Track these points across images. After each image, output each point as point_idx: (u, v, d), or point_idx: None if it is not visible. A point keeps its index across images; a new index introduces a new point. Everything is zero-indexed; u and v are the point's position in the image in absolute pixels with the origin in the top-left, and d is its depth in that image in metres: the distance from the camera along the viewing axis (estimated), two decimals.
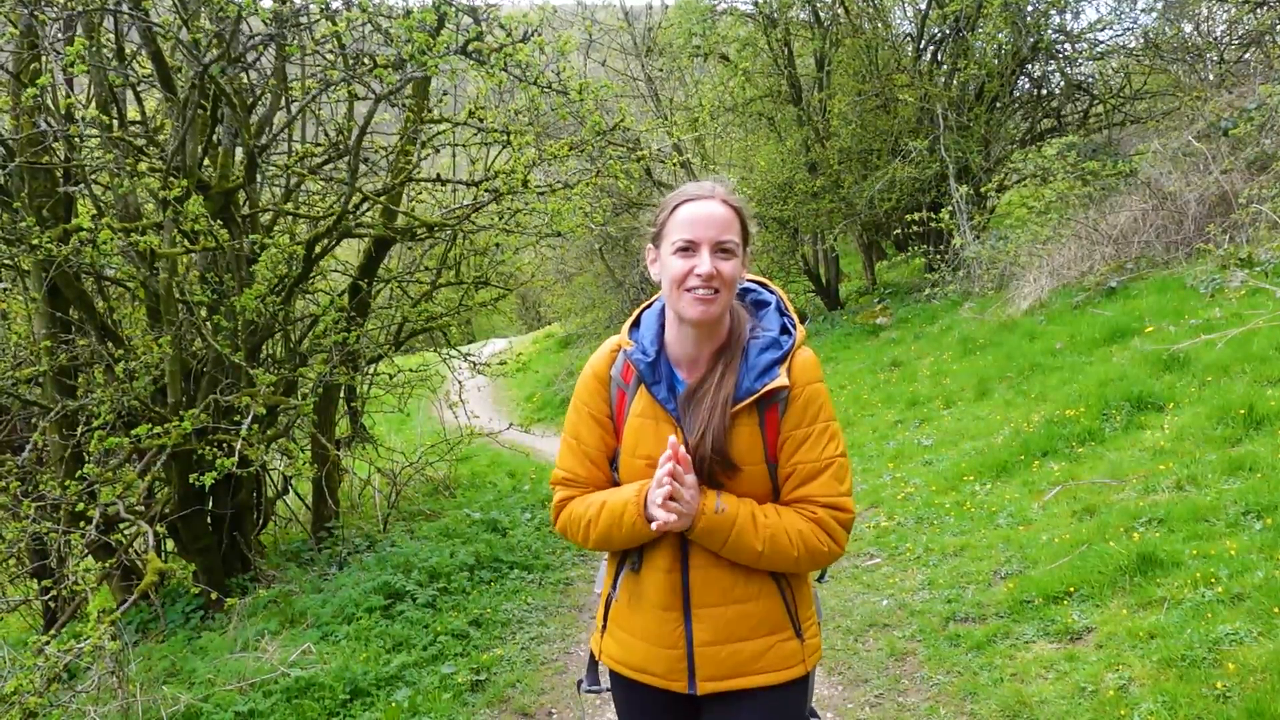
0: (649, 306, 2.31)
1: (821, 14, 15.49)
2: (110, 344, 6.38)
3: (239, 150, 6.62)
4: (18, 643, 5.95)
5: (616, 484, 2.25)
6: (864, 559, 6.24)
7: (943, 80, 14.85)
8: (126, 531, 6.49)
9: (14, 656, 4.85)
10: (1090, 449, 6.49)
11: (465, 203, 8.22)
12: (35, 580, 6.76)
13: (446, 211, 8.52)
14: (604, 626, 2.33)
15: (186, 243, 6.26)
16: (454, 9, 6.13)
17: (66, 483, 5.75)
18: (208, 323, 6.48)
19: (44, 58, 5.92)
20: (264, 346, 7.54)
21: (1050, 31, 14.37)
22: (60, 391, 6.46)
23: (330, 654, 5.41)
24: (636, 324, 2.29)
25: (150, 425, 5.69)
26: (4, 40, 5.91)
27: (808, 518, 2.12)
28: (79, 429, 6.50)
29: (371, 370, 9.54)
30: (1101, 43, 15.20)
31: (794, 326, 2.20)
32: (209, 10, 5.71)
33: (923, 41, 15.52)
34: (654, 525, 2.05)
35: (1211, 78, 12.92)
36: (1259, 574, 4.15)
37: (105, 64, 5.92)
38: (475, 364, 10.60)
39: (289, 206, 7.86)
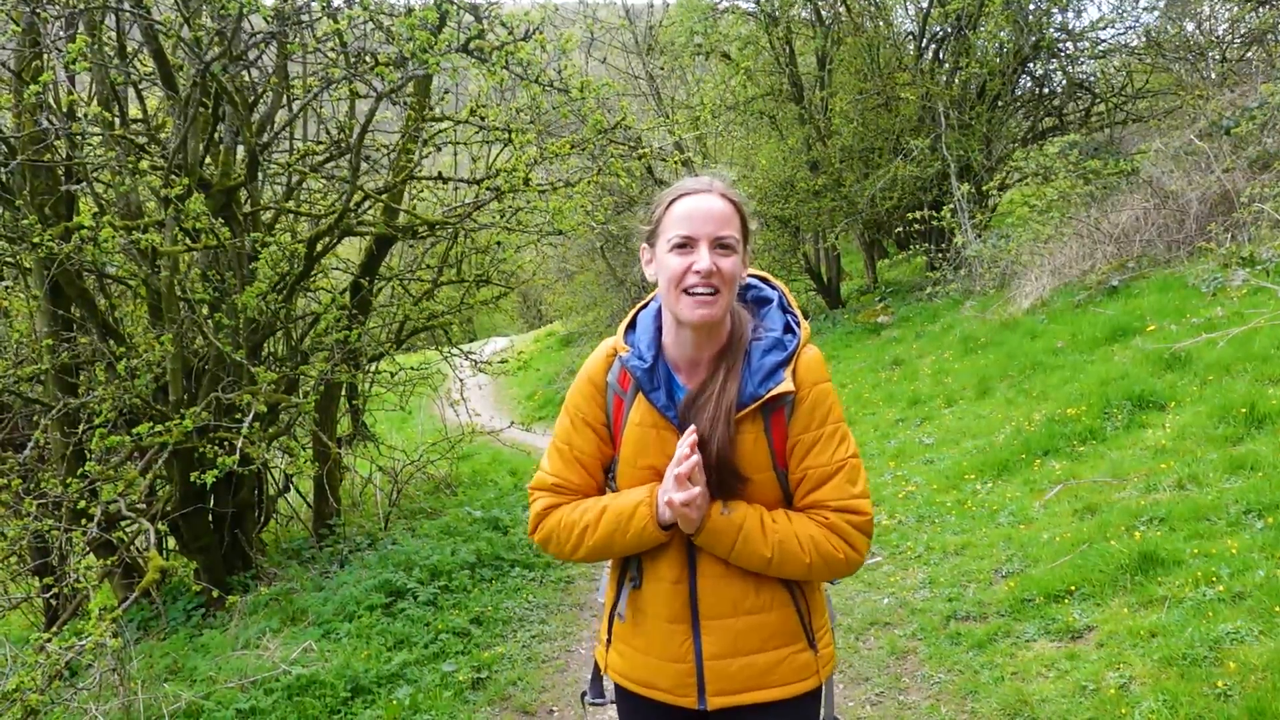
0: (644, 307, 2.20)
1: (823, 12, 15.48)
2: (112, 342, 6.38)
3: (240, 148, 6.62)
4: (19, 640, 5.96)
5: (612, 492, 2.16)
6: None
7: (944, 79, 14.84)
8: (128, 529, 6.49)
9: (16, 654, 4.85)
10: (1091, 448, 6.48)
11: (467, 201, 8.21)
12: (37, 578, 6.76)
13: (448, 210, 8.52)
14: (608, 640, 2.23)
15: (188, 241, 6.26)
16: (455, 7, 6.14)
17: (68, 480, 5.76)
18: (209, 321, 6.48)
19: (46, 55, 5.92)
20: (265, 344, 7.55)
21: (1052, 30, 14.37)
22: (62, 389, 6.47)
23: (331, 652, 5.41)
24: (632, 326, 2.18)
25: (151, 423, 5.69)
26: (6, 38, 5.91)
27: (820, 523, 2.02)
28: (80, 427, 6.50)
29: (373, 368, 9.54)
30: (1103, 41, 15.20)
31: (797, 325, 2.10)
32: (210, 8, 5.71)
33: (924, 40, 15.52)
34: (676, 499, 1.92)
35: (1213, 76, 12.92)
36: (1260, 573, 4.15)
37: (107, 62, 5.92)
38: (476, 362, 10.60)
39: (290, 204, 7.86)
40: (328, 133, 8.20)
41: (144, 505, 6.46)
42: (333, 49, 6.39)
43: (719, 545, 2.01)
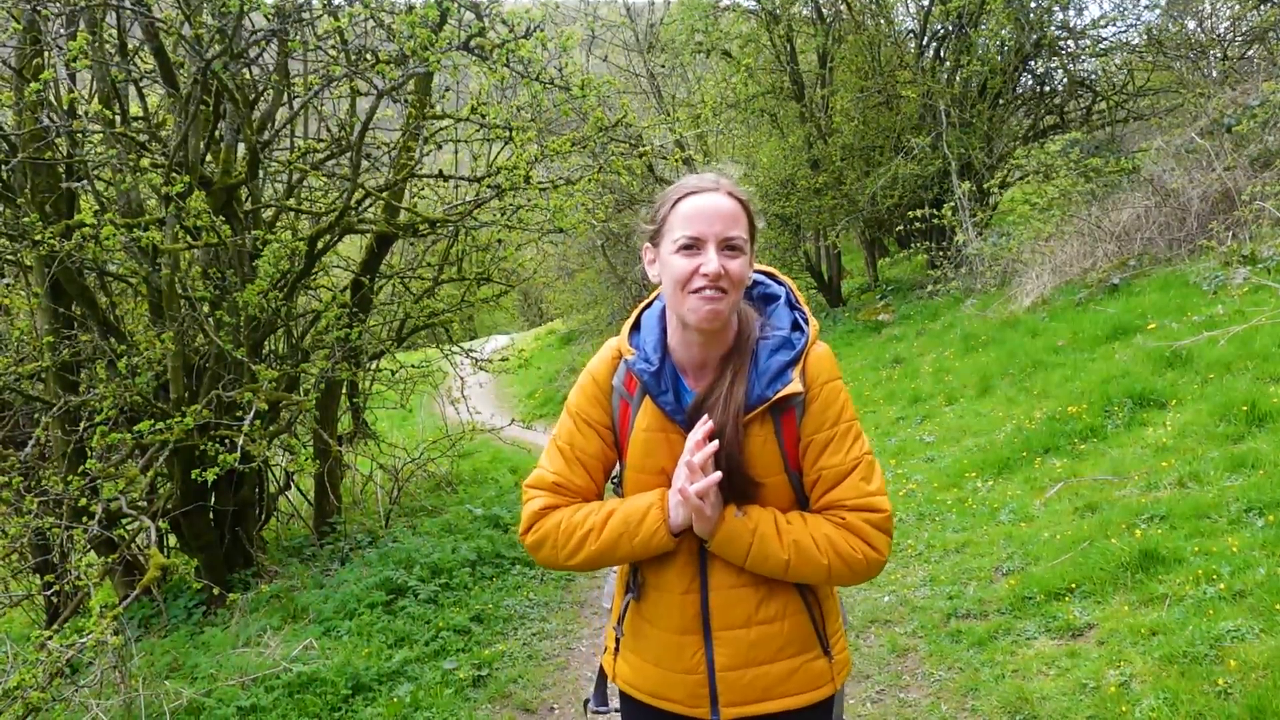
0: (649, 306, 2.13)
1: (824, 10, 15.47)
2: (112, 340, 6.38)
3: (241, 146, 6.62)
4: (20, 638, 5.96)
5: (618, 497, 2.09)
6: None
7: (945, 77, 14.83)
8: (129, 527, 6.50)
9: (17, 651, 4.86)
10: (1092, 446, 6.48)
11: (467, 199, 8.21)
12: (38, 575, 6.77)
13: (449, 207, 8.52)
14: (616, 648, 2.18)
15: (189, 238, 6.27)
16: (456, 5, 6.13)
17: (69, 478, 5.76)
18: (210, 318, 6.48)
19: (47, 53, 5.92)
20: (266, 342, 7.55)
21: (1053, 28, 14.35)
22: (63, 387, 6.47)
23: (332, 649, 5.42)
24: (636, 327, 2.11)
25: (152, 421, 5.69)
26: (7, 36, 5.91)
27: (837, 524, 1.96)
28: (81, 424, 6.50)
29: (374, 366, 9.55)
30: (1104, 39, 15.18)
31: (805, 321, 2.04)
32: (211, 6, 5.71)
33: (925, 38, 15.51)
34: (691, 489, 1.87)
35: (1215, 74, 12.91)
36: (1261, 571, 4.15)
37: (108, 59, 5.92)
38: (477, 360, 10.60)
39: (291, 202, 7.86)
40: (329, 130, 8.20)
41: (145, 503, 6.47)
42: (333, 46, 6.39)
43: (735, 550, 1.95)
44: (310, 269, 7.45)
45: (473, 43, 5.98)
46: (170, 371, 6.32)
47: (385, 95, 6.51)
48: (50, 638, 4.72)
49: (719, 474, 1.89)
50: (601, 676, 2.27)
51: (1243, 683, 3.51)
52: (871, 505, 1.97)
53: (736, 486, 1.95)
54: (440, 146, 8.44)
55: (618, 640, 2.17)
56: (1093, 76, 15.57)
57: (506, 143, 8.04)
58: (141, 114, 7.21)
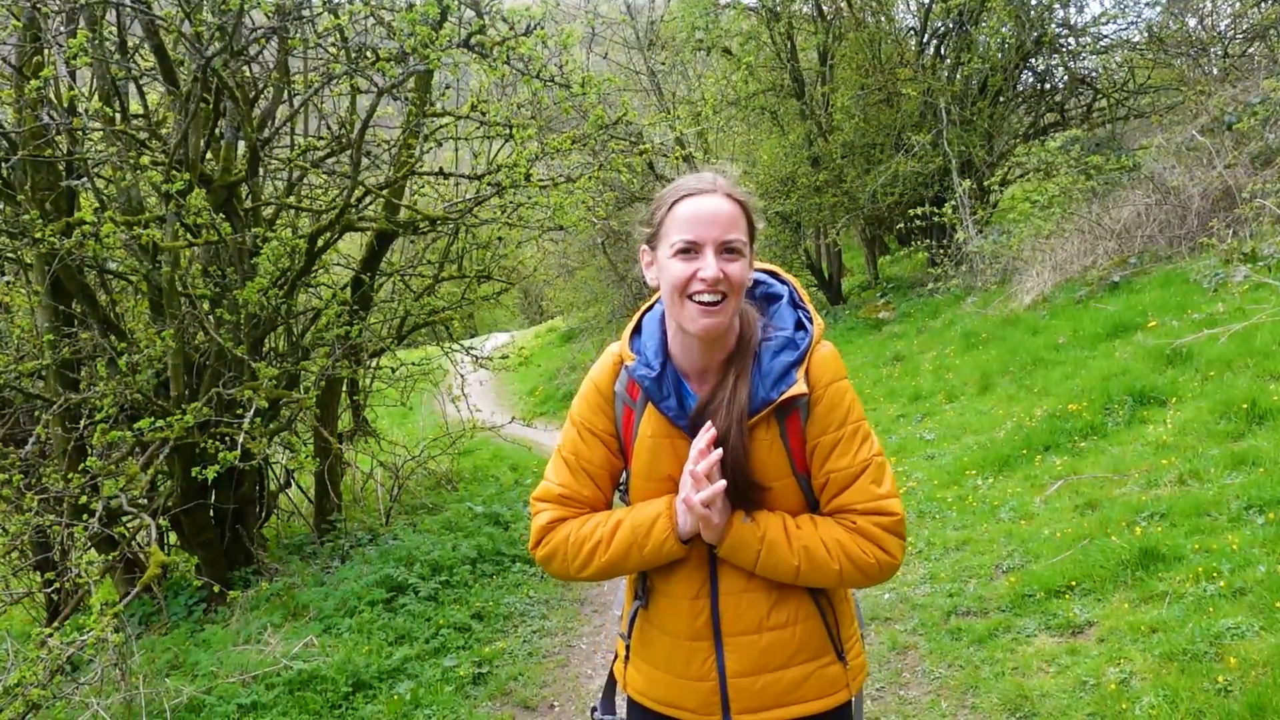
0: (649, 309, 2.09)
1: (825, 7, 15.46)
2: (113, 337, 6.38)
3: (241, 144, 6.62)
4: (21, 635, 5.97)
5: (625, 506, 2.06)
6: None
7: (946, 74, 14.82)
8: (129, 525, 6.49)
9: (17, 649, 4.86)
10: (1092, 443, 6.48)
11: (467, 196, 8.21)
12: (38, 573, 6.78)
13: (449, 205, 8.52)
14: (626, 655, 2.14)
15: (189, 236, 6.26)
16: (456, 2, 6.13)
17: (69, 476, 5.76)
18: (210, 316, 6.48)
19: (47, 51, 5.92)
20: (266, 340, 7.55)
21: (1054, 25, 14.34)
22: (63, 385, 6.47)
23: (332, 647, 5.42)
24: (637, 330, 2.07)
25: (153, 419, 5.69)
26: (7, 33, 5.90)
27: (848, 528, 1.93)
28: (82, 422, 6.50)
29: (374, 364, 9.55)
30: (1105, 37, 15.16)
31: (810, 321, 2.00)
32: (211, 3, 5.71)
33: (926, 35, 15.50)
34: (696, 498, 1.84)
35: (1215, 72, 12.89)
36: (1261, 568, 4.15)
37: (108, 57, 5.92)
38: (477, 358, 10.60)
39: (291, 200, 7.86)
40: (329, 128, 8.20)
41: (145, 500, 6.48)
42: (334, 44, 6.39)
43: (744, 556, 1.92)
44: (310, 266, 7.45)
45: (473, 40, 5.98)
46: (170, 369, 6.32)
47: (385, 93, 6.51)
48: (51, 635, 4.72)
49: (723, 482, 1.85)
50: (610, 684, 2.23)
51: (1243, 680, 3.51)
52: (883, 509, 1.94)
53: (743, 491, 1.92)
54: (440, 144, 8.44)
55: (628, 648, 2.13)
56: (1093, 74, 15.56)
57: (507, 140, 8.04)
58: (142, 111, 7.21)
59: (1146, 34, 14.67)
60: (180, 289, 6.37)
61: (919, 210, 13.03)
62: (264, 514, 8.15)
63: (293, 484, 9.03)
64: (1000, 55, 13.99)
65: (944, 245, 13.52)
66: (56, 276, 6.12)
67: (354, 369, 8.17)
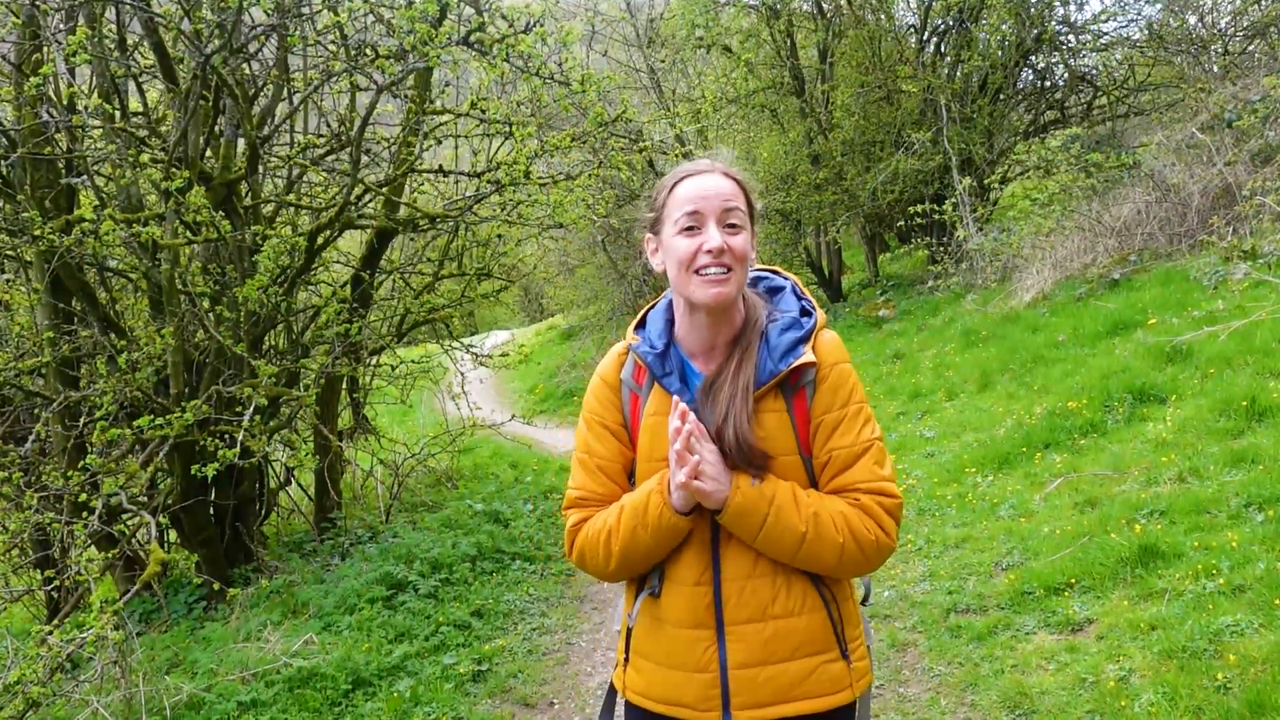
0: (654, 306, 2.13)
1: (824, 5, 15.45)
2: (112, 335, 6.38)
3: (241, 141, 6.62)
4: (21, 633, 5.97)
5: None
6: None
7: (946, 72, 14.81)
8: (129, 522, 6.49)
9: (17, 646, 4.86)
10: (1092, 441, 6.48)
11: (467, 194, 8.21)
12: (38, 571, 6.77)
13: (449, 203, 8.52)
14: (625, 659, 2.10)
15: (189, 234, 6.26)
16: (456, 0, 6.12)
17: (69, 473, 5.76)
18: (210, 314, 6.48)
19: (46, 48, 5.91)
20: (266, 338, 7.55)
21: (1054, 23, 14.33)
22: (63, 383, 6.47)
23: (332, 644, 5.42)
24: (642, 324, 2.11)
25: (153, 416, 5.69)
26: (6, 31, 5.90)
27: (852, 503, 1.93)
28: (81, 420, 6.50)
29: (374, 362, 9.55)
30: (1105, 34, 15.14)
31: (813, 309, 2.04)
32: (210, 1, 5.70)
33: (926, 33, 15.49)
34: (680, 476, 1.84)
35: (1216, 70, 12.88)
36: (1260, 566, 4.15)
37: (107, 54, 5.91)
38: (477, 356, 10.61)
39: (291, 198, 7.86)
40: (328, 126, 8.19)
41: (145, 498, 6.48)
42: (333, 42, 6.38)
43: (749, 522, 1.89)
44: (310, 264, 7.45)
45: (472, 38, 5.98)
46: (170, 367, 6.32)
47: (385, 90, 6.50)
48: (51, 633, 4.73)
49: (697, 459, 1.84)
50: (610, 694, 2.19)
51: (1242, 677, 3.51)
52: (885, 490, 1.95)
53: (748, 458, 1.91)
54: (440, 142, 8.42)
55: (628, 648, 2.10)
56: (1093, 71, 15.55)
57: (506, 138, 8.03)
58: (141, 109, 7.21)
59: (1147, 31, 14.66)
60: (180, 287, 6.37)
61: (919, 208, 13.03)
62: (264, 512, 8.15)
63: (293, 482, 9.03)
64: (1000, 53, 13.98)
65: (944, 243, 13.52)
66: (56, 274, 6.12)
67: (354, 367, 8.17)
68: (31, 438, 6.56)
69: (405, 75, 6.31)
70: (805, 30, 15.89)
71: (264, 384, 6.14)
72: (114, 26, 6.30)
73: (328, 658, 5.16)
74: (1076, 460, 6.28)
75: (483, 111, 7.49)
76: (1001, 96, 14.53)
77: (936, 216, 12.91)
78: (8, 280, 6.98)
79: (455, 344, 10.59)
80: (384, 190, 7.53)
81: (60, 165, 6.22)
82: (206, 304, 6.69)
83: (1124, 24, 15.25)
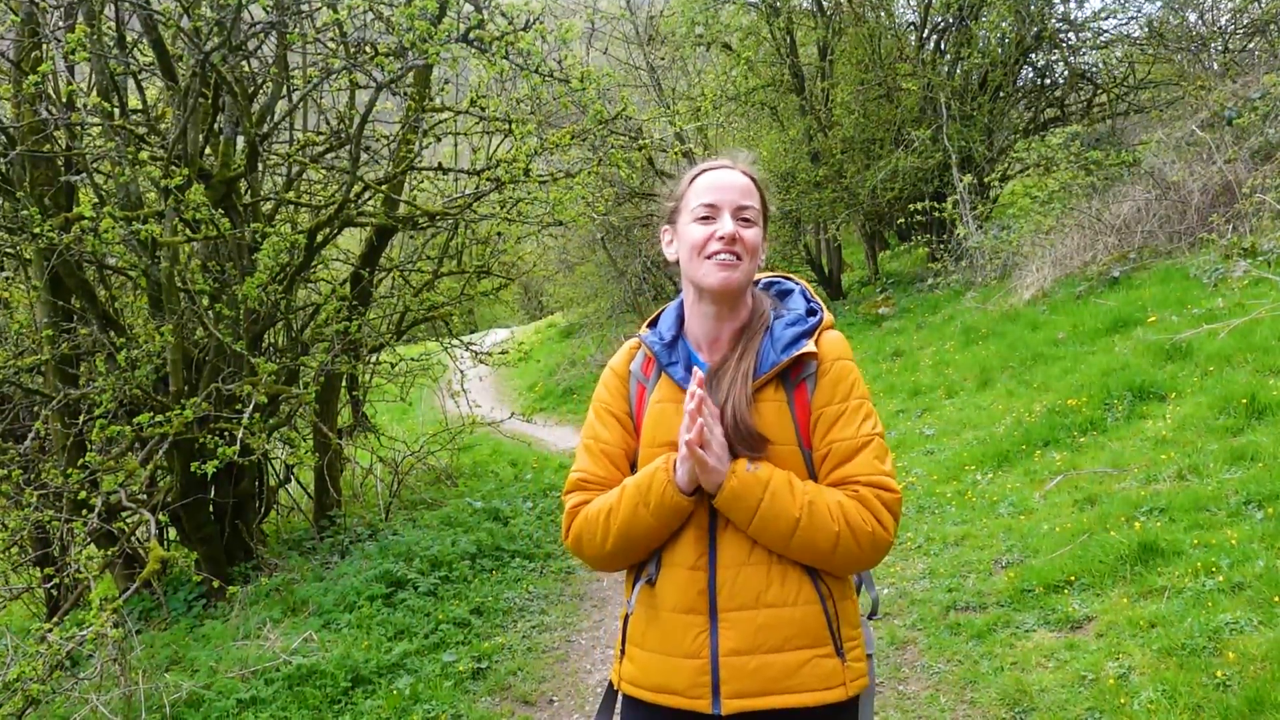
0: (667, 306, 2.21)
1: (824, 3, 15.44)
2: (112, 333, 6.38)
3: (240, 139, 6.61)
4: (21, 630, 5.97)
5: None
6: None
7: (946, 69, 14.80)
8: (128, 520, 6.50)
9: (17, 644, 4.86)
10: (1092, 439, 6.48)
11: (467, 191, 8.20)
12: (38, 568, 6.78)
13: (448, 200, 8.51)
14: (621, 652, 2.11)
15: (188, 231, 6.26)
16: None
17: (69, 471, 5.76)
18: (209, 311, 6.48)
19: (45, 45, 5.91)
20: (266, 335, 7.54)
21: (1054, 20, 14.32)
22: (62, 380, 6.47)
23: (332, 642, 5.42)
24: (654, 322, 2.19)
25: (152, 414, 5.69)
26: (5, 28, 5.90)
27: (850, 495, 1.94)
28: (81, 417, 6.50)
29: (373, 359, 9.55)
30: (1105, 32, 15.14)
31: (820, 309, 2.10)
32: None
33: (926, 30, 15.48)
34: (690, 437, 1.86)
35: (1216, 67, 12.89)
36: (1260, 563, 4.15)
37: (106, 52, 5.90)
38: (477, 353, 10.61)
39: (291, 195, 7.85)
40: (328, 123, 8.19)
41: (145, 496, 6.48)
42: (332, 39, 6.38)
43: (744, 504, 1.91)
44: (309, 262, 7.45)
45: (472, 35, 5.97)
46: (170, 364, 6.32)
47: (384, 88, 6.50)
48: (50, 630, 4.73)
49: (701, 422, 1.87)
50: (609, 694, 2.18)
51: (1241, 675, 3.51)
52: (885, 484, 1.96)
53: (746, 442, 1.94)
54: (439, 139, 8.43)
55: (624, 640, 2.11)
56: (1093, 69, 15.54)
57: (506, 135, 8.03)
58: (140, 107, 7.20)
59: (1147, 29, 14.66)
60: (179, 284, 6.36)
61: (919, 206, 13.02)
62: (263, 509, 8.15)
63: (292, 479, 9.03)
64: (1000, 50, 13.97)
65: (944, 241, 13.51)
66: (55, 272, 6.12)
67: (353, 364, 8.17)
68: (31, 435, 6.57)
69: (405, 72, 6.31)
70: (805, 28, 15.88)
71: (263, 381, 6.13)
72: (113, 24, 6.29)
73: (327, 655, 5.16)
74: (1076, 458, 6.28)
75: (482, 109, 7.49)
76: (1001, 94, 14.52)
77: (936, 214, 12.91)
78: (7, 278, 6.98)
79: (455, 342, 10.59)
80: (383, 188, 7.53)
81: (59, 163, 6.22)
82: (206, 301, 6.68)
83: (1124, 21, 15.26)
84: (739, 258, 1.98)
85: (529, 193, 7.87)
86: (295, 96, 7.27)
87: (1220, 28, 13.87)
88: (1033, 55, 14.83)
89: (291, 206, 8.02)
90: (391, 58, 5.90)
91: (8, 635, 4.97)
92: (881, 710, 4.18)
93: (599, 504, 2.04)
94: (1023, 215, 12.34)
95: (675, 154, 14.01)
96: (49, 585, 6.27)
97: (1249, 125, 9.71)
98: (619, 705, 2.15)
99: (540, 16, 6.14)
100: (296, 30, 6.22)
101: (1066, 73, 15.41)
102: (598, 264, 20.03)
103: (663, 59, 17.28)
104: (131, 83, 7.10)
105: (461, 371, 10.57)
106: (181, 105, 5.98)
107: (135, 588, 5.46)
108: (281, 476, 8.77)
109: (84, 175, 6.23)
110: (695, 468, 1.91)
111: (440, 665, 5.25)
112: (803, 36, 15.87)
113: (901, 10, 16.42)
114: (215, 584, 6.51)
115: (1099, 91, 15.40)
